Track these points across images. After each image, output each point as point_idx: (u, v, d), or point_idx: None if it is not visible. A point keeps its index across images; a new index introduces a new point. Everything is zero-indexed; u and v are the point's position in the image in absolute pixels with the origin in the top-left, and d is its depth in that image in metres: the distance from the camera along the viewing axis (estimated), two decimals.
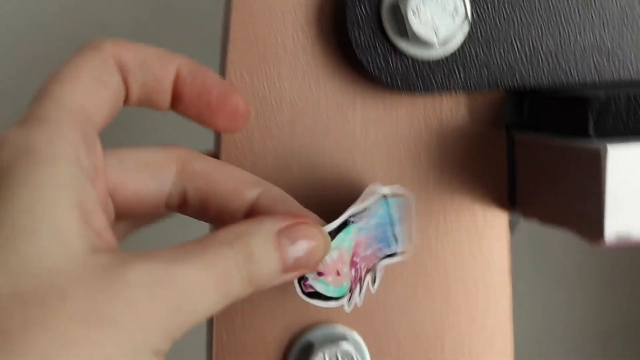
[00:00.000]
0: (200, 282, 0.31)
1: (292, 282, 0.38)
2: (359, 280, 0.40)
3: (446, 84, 0.41)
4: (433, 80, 0.41)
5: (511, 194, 0.44)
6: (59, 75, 0.33)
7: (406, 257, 0.40)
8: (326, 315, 0.44)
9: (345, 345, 0.42)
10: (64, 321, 0.28)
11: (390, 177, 0.43)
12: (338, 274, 0.38)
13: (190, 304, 0.30)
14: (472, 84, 0.41)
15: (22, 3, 0.75)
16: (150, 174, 0.35)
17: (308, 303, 0.38)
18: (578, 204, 0.37)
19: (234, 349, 0.43)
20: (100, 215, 0.32)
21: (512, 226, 0.47)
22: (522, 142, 0.42)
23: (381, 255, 0.40)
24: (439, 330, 0.44)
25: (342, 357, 0.42)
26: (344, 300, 0.39)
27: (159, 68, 0.35)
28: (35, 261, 0.29)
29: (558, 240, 0.91)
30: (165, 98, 0.36)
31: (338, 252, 0.38)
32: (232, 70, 0.41)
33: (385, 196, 0.40)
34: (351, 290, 0.39)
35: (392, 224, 0.40)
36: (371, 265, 0.40)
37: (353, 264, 0.39)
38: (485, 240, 0.44)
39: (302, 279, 0.37)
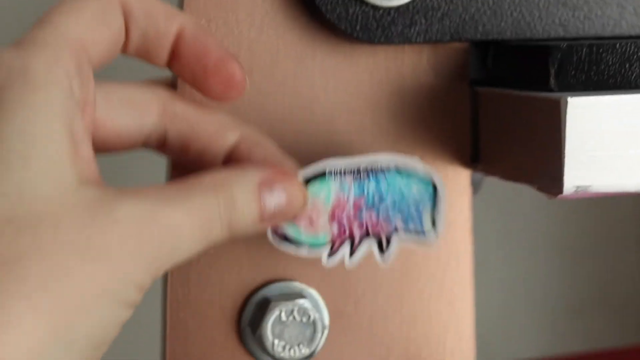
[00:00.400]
0: (185, 224, 0.31)
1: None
2: (349, 239, 0.39)
3: (407, 34, 0.40)
4: (393, 30, 0.40)
5: (474, 151, 0.43)
6: (61, 6, 0.33)
7: (430, 245, 0.39)
8: (283, 272, 0.43)
9: (302, 302, 0.42)
10: (59, 251, 0.28)
11: (349, 130, 0.42)
12: (311, 222, 0.38)
13: (174, 244, 0.31)
14: (433, 35, 0.40)
15: None
16: (132, 112, 0.36)
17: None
18: (538, 156, 0.36)
19: (189, 304, 0.42)
20: (89, 147, 0.32)
21: (476, 186, 0.46)
22: (485, 96, 0.42)
23: (401, 226, 0.39)
24: (398, 288, 0.44)
25: (298, 314, 0.42)
26: (322, 252, 0.38)
27: (163, 21, 0.35)
28: (29, 187, 0.29)
29: (529, 207, 0.91)
30: (163, 53, 0.36)
31: (312, 200, 0.37)
32: (189, 14, 0.40)
33: (402, 168, 0.38)
34: (334, 246, 0.39)
35: (413, 201, 0.39)
36: (377, 232, 0.39)
37: (336, 218, 0.38)
38: (446, 197, 0.44)
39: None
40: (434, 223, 0.39)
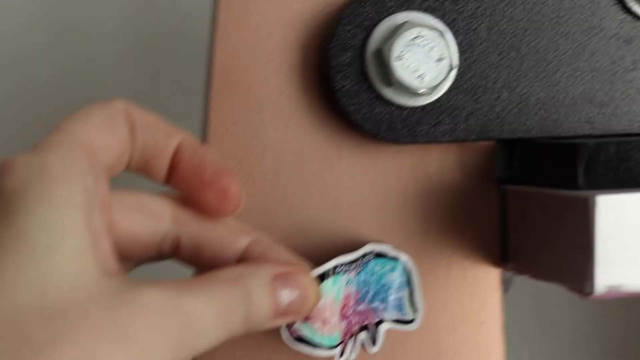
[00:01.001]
0: (207, 313, 0.32)
1: (276, 336, 0.38)
2: (351, 335, 0.39)
3: (433, 133, 0.40)
4: (419, 130, 0.40)
5: (503, 250, 0.43)
6: (71, 116, 0.34)
7: (414, 328, 0.40)
8: None
9: None
10: (89, 335, 0.29)
11: (376, 230, 0.42)
12: (325, 322, 0.39)
13: (197, 332, 0.32)
14: (459, 134, 0.40)
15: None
16: (146, 215, 0.36)
17: (295, 353, 0.38)
18: (568, 255, 0.36)
19: None
20: (106, 241, 0.32)
21: (506, 284, 0.45)
22: (513, 195, 0.41)
23: (385, 317, 0.40)
24: None
25: None
26: (336, 352, 0.39)
27: (163, 136, 0.36)
28: (54, 277, 0.29)
29: (563, 305, 0.90)
30: (162, 167, 0.37)
31: (324, 300, 0.38)
32: (214, 116, 0.40)
33: (379, 255, 0.40)
34: (343, 343, 0.39)
35: (396, 286, 0.40)
36: (366, 323, 0.40)
37: (344, 316, 0.39)
38: (476, 297, 0.43)
39: (288, 324, 0.38)
40: (413, 306, 0.40)
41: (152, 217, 0.37)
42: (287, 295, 0.35)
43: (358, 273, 0.39)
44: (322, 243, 0.42)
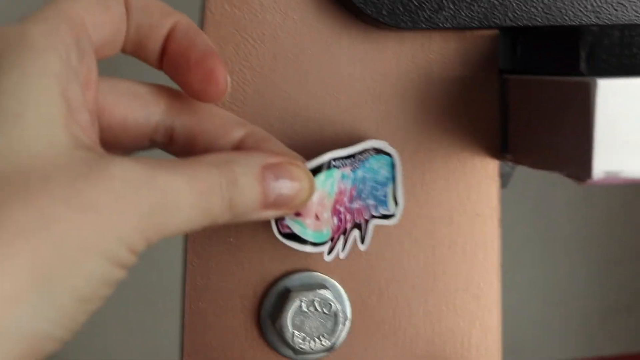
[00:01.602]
0: (183, 191, 0.31)
1: (269, 225, 0.37)
2: (342, 232, 0.38)
3: (434, 19, 0.39)
4: (420, 15, 0.39)
5: (502, 140, 0.42)
6: None
7: (393, 222, 0.41)
8: (305, 262, 0.42)
9: (324, 292, 0.41)
10: (46, 201, 0.28)
11: (374, 118, 0.41)
12: (317, 218, 0.38)
13: (170, 210, 0.31)
14: (461, 21, 0.39)
15: None
16: (139, 102, 0.36)
17: (285, 246, 0.38)
18: (568, 141, 0.35)
19: (209, 293, 0.42)
20: (85, 114, 0.32)
21: (505, 179, 0.45)
22: (515, 84, 0.41)
23: (374, 213, 0.40)
24: (424, 281, 0.43)
25: (319, 304, 0.41)
26: (324, 248, 0.38)
27: (158, 16, 0.35)
28: (19, 144, 0.29)
29: (563, 208, 0.90)
30: (155, 48, 0.36)
31: (318, 195, 0.38)
32: (213, 0, 0.40)
33: (378, 151, 0.39)
34: (333, 240, 0.38)
35: (385, 183, 0.40)
36: (360, 220, 0.40)
37: (336, 212, 0.38)
38: (474, 188, 0.43)
39: (279, 219, 0.37)
40: (395, 201, 0.40)
41: (145, 104, 0.36)
42: (277, 186, 0.34)
43: (356, 169, 0.39)
44: (319, 129, 0.41)
